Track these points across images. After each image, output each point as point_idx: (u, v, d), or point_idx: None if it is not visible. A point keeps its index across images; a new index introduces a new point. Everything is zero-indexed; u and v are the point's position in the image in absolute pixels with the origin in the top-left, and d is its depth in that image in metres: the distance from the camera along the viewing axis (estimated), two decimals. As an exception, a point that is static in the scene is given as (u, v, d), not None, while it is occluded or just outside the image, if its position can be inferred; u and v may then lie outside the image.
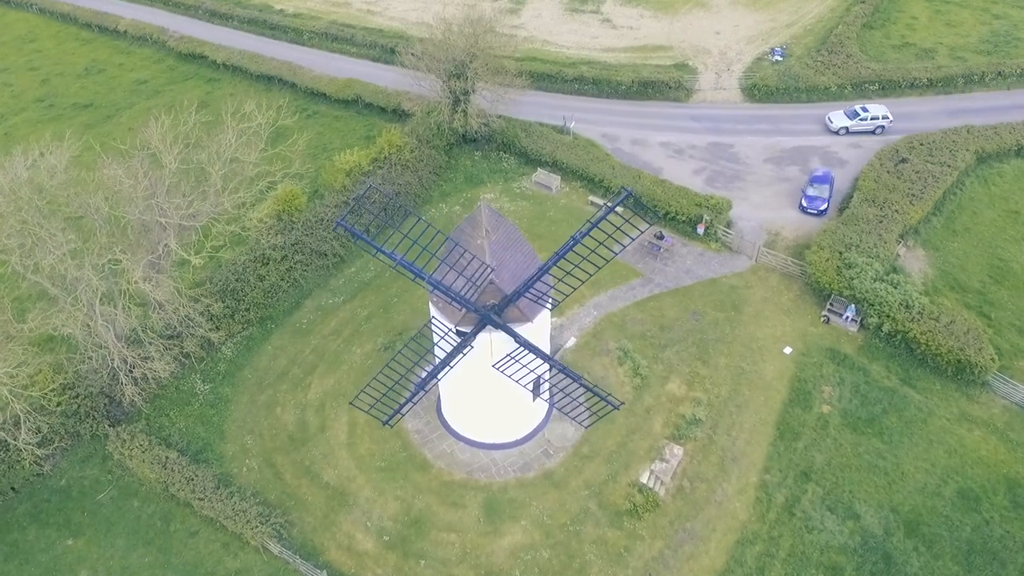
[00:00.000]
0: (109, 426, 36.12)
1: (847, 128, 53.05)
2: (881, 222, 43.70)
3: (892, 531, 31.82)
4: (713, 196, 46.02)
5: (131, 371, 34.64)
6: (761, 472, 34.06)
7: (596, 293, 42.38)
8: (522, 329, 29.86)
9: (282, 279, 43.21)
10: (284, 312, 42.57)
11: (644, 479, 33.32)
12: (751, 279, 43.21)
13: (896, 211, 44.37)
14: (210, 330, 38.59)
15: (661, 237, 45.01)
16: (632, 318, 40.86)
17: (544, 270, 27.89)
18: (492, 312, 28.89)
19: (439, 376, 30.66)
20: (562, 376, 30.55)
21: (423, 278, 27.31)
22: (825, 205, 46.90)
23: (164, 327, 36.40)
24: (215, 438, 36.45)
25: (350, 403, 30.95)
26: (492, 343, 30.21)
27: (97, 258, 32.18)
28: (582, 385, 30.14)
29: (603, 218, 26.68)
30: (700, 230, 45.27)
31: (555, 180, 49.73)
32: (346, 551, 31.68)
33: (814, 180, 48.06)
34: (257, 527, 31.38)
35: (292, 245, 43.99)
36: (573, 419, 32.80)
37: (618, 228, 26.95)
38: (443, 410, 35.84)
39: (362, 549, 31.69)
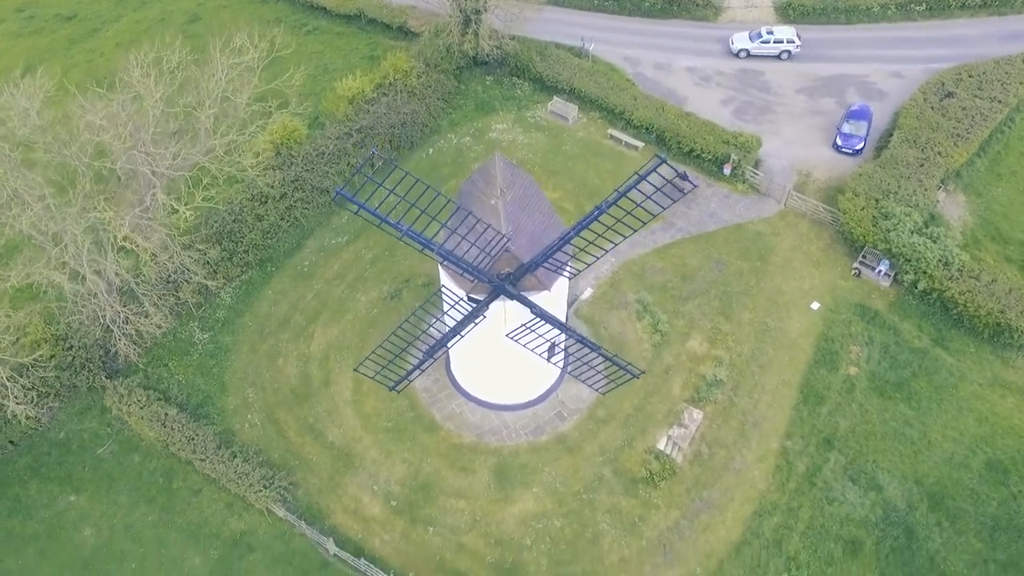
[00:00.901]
0: (106, 378, 34.80)
1: (747, 51, 49.23)
2: (922, 166, 40.68)
3: (915, 504, 30.78)
4: (742, 133, 42.83)
5: (125, 325, 32.91)
6: (783, 438, 32.78)
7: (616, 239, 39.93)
8: (538, 298, 27.83)
9: (282, 218, 40.87)
10: (284, 254, 40.48)
11: (661, 445, 32.10)
12: (779, 225, 40.70)
13: (939, 153, 41.25)
14: (207, 277, 36.65)
15: (685, 178, 42.02)
16: (652, 267, 38.70)
17: (565, 240, 25.57)
18: (507, 282, 26.78)
19: (449, 344, 28.86)
20: (579, 344, 28.76)
21: (432, 249, 25.05)
22: (861, 144, 43.72)
23: (157, 278, 34.40)
24: (216, 391, 35.17)
25: (355, 369, 29.36)
26: (506, 312, 28.28)
27: (79, 214, 29.82)
28: (601, 355, 28.36)
29: (632, 187, 24.08)
30: (727, 170, 42.38)
31: (572, 110, 46.40)
32: (352, 515, 30.89)
33: (851, 115, 44.63)
34: (261, 491, 30.48)
35: (292, 182, 41.39)
36: (589, 385, 31.19)
37: (648, 197, 24.35)
38: (452, 368, 34.31)
39: (369, 514, 30.87)
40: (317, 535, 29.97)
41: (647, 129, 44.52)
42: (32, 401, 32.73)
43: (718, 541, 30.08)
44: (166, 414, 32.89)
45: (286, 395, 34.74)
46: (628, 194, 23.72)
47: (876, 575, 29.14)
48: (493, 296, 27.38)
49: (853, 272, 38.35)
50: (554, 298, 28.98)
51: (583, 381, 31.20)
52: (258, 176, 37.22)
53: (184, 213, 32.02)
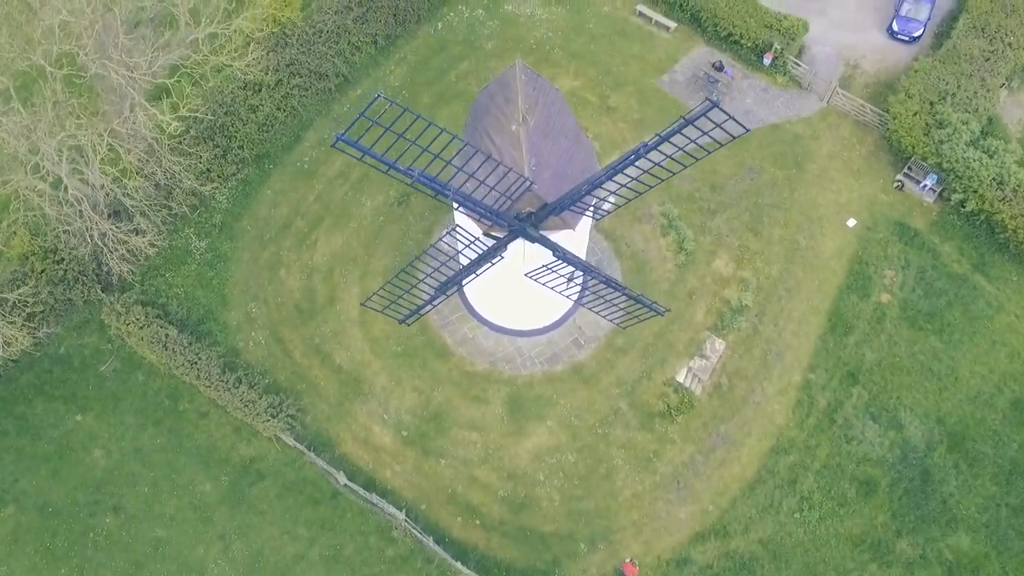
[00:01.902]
0: (102, 291, 33.16)
1: None
2: (988, 60, 36.46)
3: (934, 445, 30.26)
4: (787, 16, 38.09)
5: (116, 246, 30.78)
6: (806, 371, 31.72)
7: (639, 138, 36.74)
8: (561, 236, 25.54)
9: (278, 108, 37.31)
10: (282, 148, 37.41)
11: (681, 377, 31.10)
12: (819, 127, 37.25)
13: (1009, 44, 36.83)
14: (199, 181, 33.98)
15: (720, 68, 38.10)
16: (680, 174, 35.69)
17: (595, 184, 22.86)
18: (528, 224, 24.35)
19: (464, 283, 26.93)
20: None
21: (447, 194, 22.40)
22: (921, 30, 39.08)
23: (146, 187, 31.71)
24: (216, 305, 33.70)
25: (362, 304, 27.65)
26: (525, 251, 26.09)
27: (51, 127, 26.73)
28: (625, 294, 26.52)
29: (676, 131, 21.01)
30: (767, 60, 38.17)
31: (597, -20, 41.13)
32: (363, 444, 30.51)
33: (913, -7, 39.53)
34: (268, 420, 29.87)
35: (287, 66, 37.35)
36: (607, 319, 29.59)
37: (692, 141, 21.35)
38: (465, 290, 32.57)
39: (379, 443, 30.47)
40: (327, 466, 29.71)
41: (681, 7, 39.68)
42: (27, 322, 31.39)
43: (732, 478, 29.88)
44: (167, 335, 31.62)
45: (290, 311, 33.30)
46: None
47: (887, 516, 29.15)
48: (512, 237, 25.09)
49: (895, 185, 35.52)
50: (577, 236, 26.70)
51: (600, 315, 29.61)
52: (248, 67, 33.42)
53: (170, 123, 28.84)
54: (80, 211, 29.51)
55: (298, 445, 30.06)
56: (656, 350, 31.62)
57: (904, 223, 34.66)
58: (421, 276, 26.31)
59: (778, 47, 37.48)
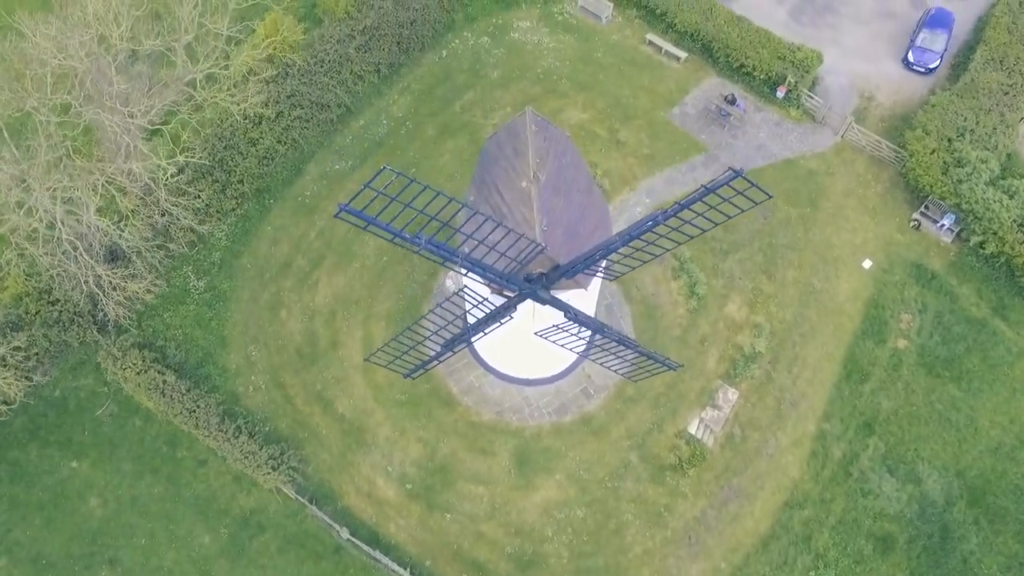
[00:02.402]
0: (98, 332, 32.26)
1: None
2: (1007, 94, 35.59)
3: (954, 500, 29.47)
4: (800, 47, 37.12)
5: (112, 292, 29.89)
6: (820, 420, 30.91)
7: (649, 174, 35.97)
8: (572, 295, 24.67)
9: (279, 141, 36.34)
10: (283, 182, 36.49)
11: (693, 429, 30.28)
12: (834, 162, 36.35)
13: (1028, 79, 35.96)
14: (198, 221, 33.10)
15: (733, 102, 37.16)
16: (691, 211, 34.77)
17: (611, 249, 21.93)
18: (539, 287, 23.46)
19: (472, 340, 26.05)
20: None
21: (456, 260, 21.49)
22: (937, 61, 38.13)
23: (143, 228, 30.73)
24: (216, 347, 32.83)
25: (365, 359, 26.77)
26: (535, 309, 25.21)
27: (42, 180, 25.82)
28: (638, 352, 25.66)
29: (697, 199, 20.14)
30: (780, 93, 37.23)
31: (606, 7, 40.17)
32: (366, 497, 29.70)
33: (929, 23, 38.56)
34: (269, 473, 29.03)
35: (288, 98, 36.38)
36: (615, 371, 28.71)
37: (712, 207, 20.49)
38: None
39: (383, 497, 29.66)
40: (329, 520, 28.90)
41: (692, 36, 38.71)
42: (21, 363, 30.57)
43: (745, 534, 29.09)
44: (164, 381, 30.75)
45: (291, 355, 32.44)
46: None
47: (905, 575, 28.36)
48: (522, 299, 24.22)
49: (912, 224, 34.65)
50: (589, 294, 25.84)
51: (609, 368, 28.72)
52: (249, 106, 32.46)
53: (167, 168, 27.92)
54: (75, 256, 28.58)
55: (299, 498, 29.25)
56: (667, 400, 30.78)
57: (921, 264, 33.80)
58: (427, 333, 25.40)
59: (792, 80, 36.55)
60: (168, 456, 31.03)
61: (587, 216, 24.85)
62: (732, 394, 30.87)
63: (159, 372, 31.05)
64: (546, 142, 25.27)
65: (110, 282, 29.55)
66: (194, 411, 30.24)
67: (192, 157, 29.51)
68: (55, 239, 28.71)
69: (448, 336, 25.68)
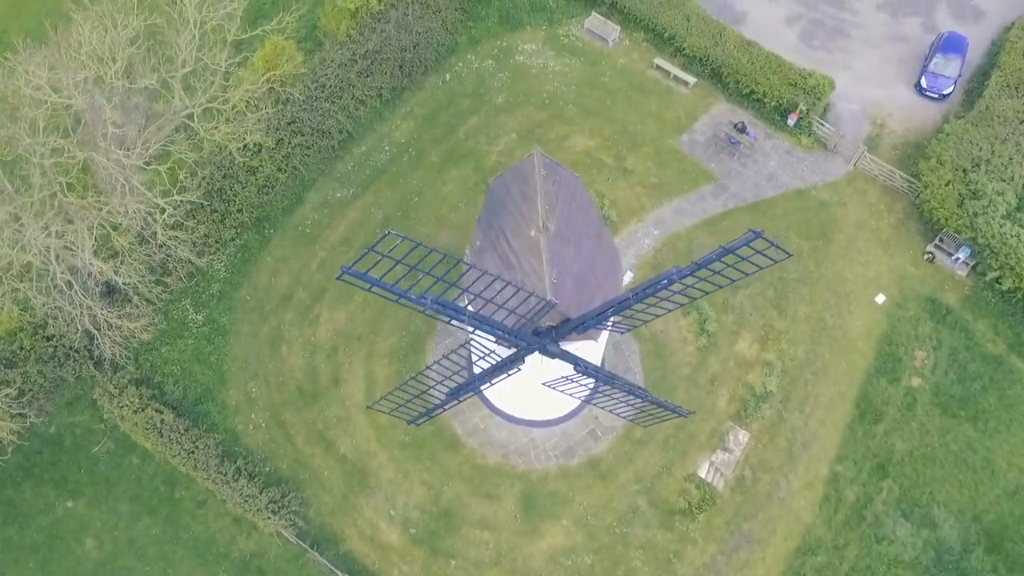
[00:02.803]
0: (94, 367, 31.54)
1: None
2: (1023, 122, 34.78)
3: (971, 546, 28.80)
4: (812, 74, 36.30)
5: (109, 331, 29.17)
6: (833, 462, 30.22)
7: (657, 204, 35.22)
8: (581, 345, 23.95)
9: (279, 170, 35.59)
10: (283, 211, 35.76)
11: (703, 472, 29.58)
12: (846, 192, 35.61)
13: (1045, 107, 35.17)
14: (197, 254, 32.38)
15: (743, 130, 36.40)
16: (700, 244, 34.17)
17: (624, 306, 21.14)
18: (548, 341, 22.73)
19: (480, 389, 25.34)
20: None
21: (463, 318, 20.76)
22: (951, 87, 37.34)
23: (138, 270, 29.98)
24: (215, 383, 32.13)
25: (368, 407, 26.08)
26: (543, 361, 24.47)
27: (36, 221, 25.10)
28: (649, 401, 24.95)
29: (715, 259, 19.40)
30: (791, 121, 36.46)
31: (613, 31, 39.38)
32: (368, 541, 29.01)
33: (943, 48, 37.74)
34: (269, 517, 28.33)
35: (288, 124, 35.59)
36: (623, 418, 28.00)
37: (730, 266, 19.75)
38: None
39: (386, 541, 28.97)
40: (331, 566, 28.22)
41: (700, 61, 37.91)
42: (15, 401, 29.88)
43: (757, 581, 28.42)
44: (162, 420, 30.05)
45: (292, 392, 31.73)
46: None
47: (921, 624, 27.75)
48: (530, 352, 23.49)
49: (926, 257, 33.92)
50: (599, 344, 25.13)
51: (615, 413, 27.99)
52: (247, 139, 31.66)
53: (164, 208, 27.18)
54: (70, 296, 27.85)
55: (301, 543, 28.58)
56: (677, 442, 30.09)
57: (935, 299, 33.08)
58: (432, 382, 24.68)
59: (803, 108, 35.78)
60: (166, 496, 30.36)
61: (597, 264, 24.13)
62: (743, 436, 30.17)
63: (156, 411, 30.35)
64: (555, 186, 24.56)
65: (106, 320, 28.80)
66: (192, 452, 29.56)
67: (190, 196, 28.67)
68: (49, 276, 27.99)
69: (454, 385, 24.99)
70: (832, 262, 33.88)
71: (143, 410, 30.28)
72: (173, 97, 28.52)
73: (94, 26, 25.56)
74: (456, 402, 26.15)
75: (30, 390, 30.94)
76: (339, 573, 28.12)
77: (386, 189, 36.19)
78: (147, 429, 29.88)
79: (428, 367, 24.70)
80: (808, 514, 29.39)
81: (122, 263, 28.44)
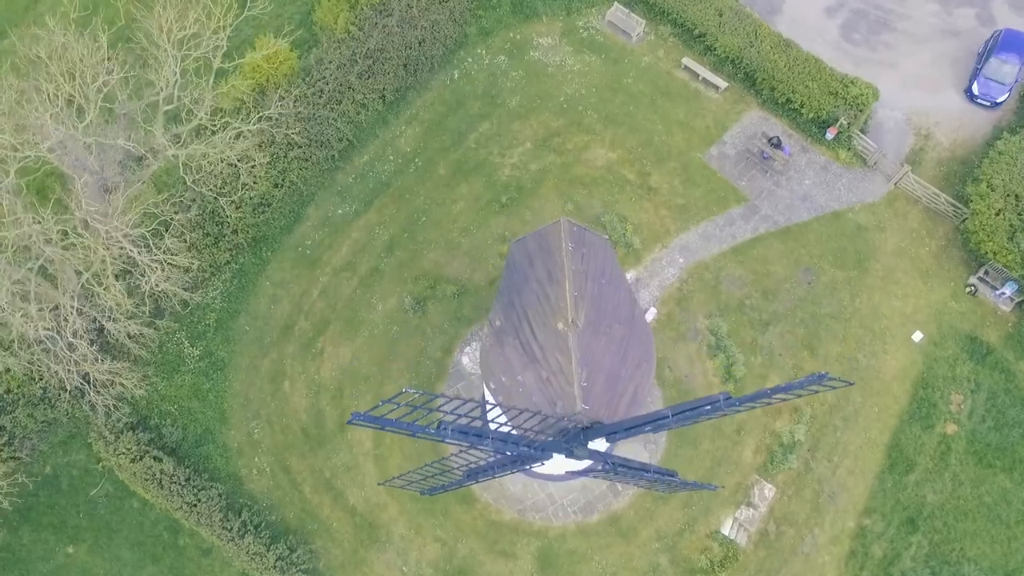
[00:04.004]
0: (88, 406, 29.90)
1: None
2: (1082, 140, 32.11)
3: (1001, 607, 28.05)
4: (855, 81, 33.26)
5: (101, 390, 27.41)
6: (860, 515, 29.13)
7: (683, 228, 32.94)
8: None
9: (275, 186, 33.01)
10: (281, 230, 33.42)
11: (726, 529, 28.50)
12: (885, 215, 33.24)
13: (1106, 125, 32.41)
14: (191, 287, 30.28)
15: (778, 145, 33.67)
16: (729, 275, 32.07)
17: (662, 426, 19.33)
18: (575, 445, 21.00)
19: (498, 476, 23.77)
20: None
21: (487, 441, 18.95)
22: (1006, 95, 34.39)
23: (127, 329, 27.87)
24: (215, 422, 30.64)
25: (379, 484, 24.65)
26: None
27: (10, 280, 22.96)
28: (679, 485, 23.48)
29: (768, 396, 17.60)
30: (830, 135, 33.69)
31: (637, 24, 35.96)
32: (380, 599, 28.19)
33: (1000, 49, 34.54)
34: (278, 577, 27.40)
35: (284, 136, 32.82)
36: (643, 487, 26.53)
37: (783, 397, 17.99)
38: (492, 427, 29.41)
39: (399, 600, 28.14)
40: (343, 625, 27.53)
41: (733, 62, 34.76)
42: (4, 453, 28.54)
43: (779, 642, 27.78)
44: (162, 471, 28.66)
45: (296, 435, 30.28)
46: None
47: None
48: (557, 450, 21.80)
49: (968, 290, 31.90)
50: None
51: (640, 487, 26.60)
52: (241, 158, 29.07)
53: (149, 280, 25.01)
54: (54, 352, 25.97)
55: (310, 601, 27.75)
56: (700, 498, 28.87)
57: (976, 337, 31.28)
58: (450, 465, 23.14)
59: (844, 123, 32.93)
60: (170, 544, 29.35)
61: (629, 353, 22.12)
62: (769, 491, 28.95)
63: (155, 459, 28.90)
64: (584, 262, 22.33)
65: (98, 379, 27.00)
66: (195, 505, 28.30)
67: (177, 244, 26.39)
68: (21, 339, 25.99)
69: (472, 467, 23.45)
70: (868, 295, 31.87)
71: (141, 459, 28.84)
72: (155, 131, 25.76)
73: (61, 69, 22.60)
74: (474, 482, 24.70)
75: (21, 434, 29.47)
76: (351, 634, 27.39)
77: (391, 205, 33.72)
78: (146, 480, 28.54)
79: (444, 457, 23.07)
80: (833, 571, 28.50)
81: (110, 319, 26.37)
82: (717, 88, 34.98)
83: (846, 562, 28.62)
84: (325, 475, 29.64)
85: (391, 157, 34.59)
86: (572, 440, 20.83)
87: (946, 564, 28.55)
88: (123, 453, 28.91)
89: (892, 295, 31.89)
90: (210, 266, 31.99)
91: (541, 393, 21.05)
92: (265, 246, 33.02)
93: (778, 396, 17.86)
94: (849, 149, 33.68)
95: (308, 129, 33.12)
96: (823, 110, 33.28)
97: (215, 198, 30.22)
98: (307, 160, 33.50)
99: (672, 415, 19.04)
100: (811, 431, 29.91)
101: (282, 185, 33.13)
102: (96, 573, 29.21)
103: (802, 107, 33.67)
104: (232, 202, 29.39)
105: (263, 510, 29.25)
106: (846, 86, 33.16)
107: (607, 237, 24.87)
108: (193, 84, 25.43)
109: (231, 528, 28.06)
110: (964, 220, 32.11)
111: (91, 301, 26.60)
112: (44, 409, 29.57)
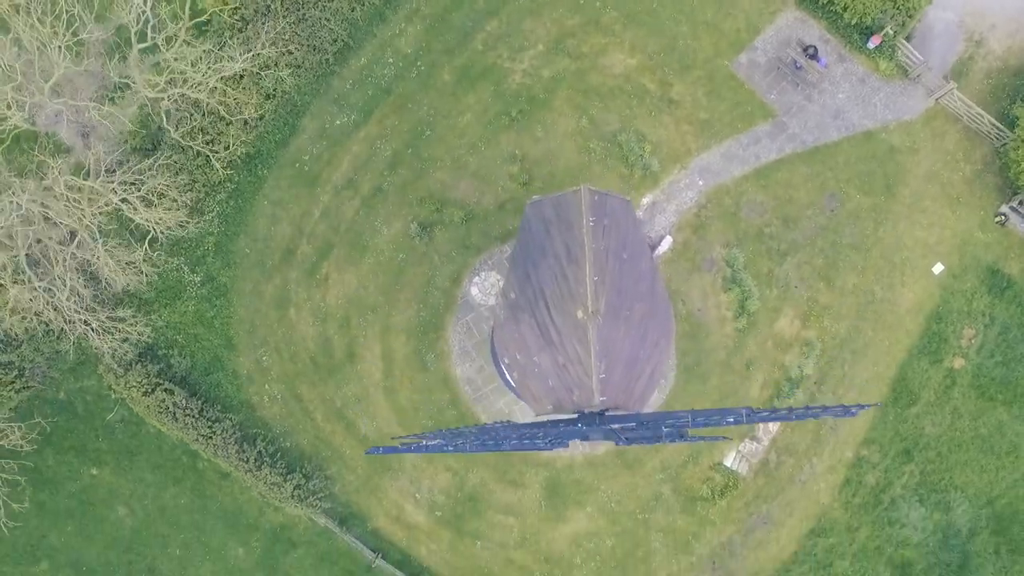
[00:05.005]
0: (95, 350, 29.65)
1: None
2: None
3: (978, 530, 29.76)
4: (910, -22, 29.76)
5: (102, 336, 26.92)
6: (859, 446, 30.08)
7: (705, 147, 31.03)
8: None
9: (266, 97, 30.54)
10: (276, 144, 31.34)
11: (729, 461, 29.51)
12: (921, 135, 31.18)
13: None
14: (186, 217, 28.95)
15: (814, 56, 30.78)
16: (749, 200, 30.67)
17: (679, 425, 19.24)
18: (596, 425, 20.96)
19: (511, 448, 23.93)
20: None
21: (508, 445, 18.88)
22: (1072, -4, 30.94)
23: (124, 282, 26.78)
24: (223, 349, 30.61)
25: (392, 439, 25.00)
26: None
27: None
28: (699, 439, 23.87)
29: (792, 418, 17.38)
30: (873, 44, 30.68)
31: (668, -99, 31.43)
32: (395, 521, 29.70)
33: (1073, -61, 30.63)
34: (296, 504, 28.63)
35: (272, 45, 29.87)
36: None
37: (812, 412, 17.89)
38: (502, 363, 29.37)
39: (412, 522, 29.64)
40: (358, 543, 29.18)
41: (773, -48, 30.88)
42: (17, 385, 28.80)
43: (768, 559, 29.74)
44: (175, 403, 29.02)
45: (305, 364, 30.36)
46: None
47: (918, 602, 29.60)
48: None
49: (997, 219, 30.68)
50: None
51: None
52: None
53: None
54: (52, 304, 25.31)
55: (329, 525, 29.25)
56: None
57: (998, 269, 30.55)
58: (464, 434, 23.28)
59: (890, 32, 29.89)
60: (189, 466, 30.42)
61: (648, 332, 21.51)
62: (773, 425, 29.60)
63: (167, 391, 29.19)
64: (604, 237, 21.07)
65: (100, 327, 26.48)
66: (210, 437, 28.97)
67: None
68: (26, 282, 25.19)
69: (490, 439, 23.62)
70: (892, 224, 30.67)
71: (152, 392, 29.11)
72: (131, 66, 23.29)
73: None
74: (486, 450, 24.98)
75: (30, 366, 29.48)
76: (368, 550, 29.12)
77: (392, 116, 31.38)
78: (160, 413, 28.99)
79: (460, 436, 23.11)
80: (827, 496, 29.89)
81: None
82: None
83: (840, 489, 29.92)
84: (336, 404, 30.07)
85: (391, 60, 31.64)
86: (590, 422, 20.79)
87: (933, 491, 29.90)
88: (134, 386, 29.07)
89: (917, 224, 30.68)
90: (203, 186, 30.32)
91: (558, 378, 20.75)
92: (260, 163, 31.10)
93: (798, 416, 17.64)
94: (891, 59, 30.80)
95: (299, 33, 30.05)
96: (868, 14, 30.02)
97: (203, 146, 28.00)
98: (299, 66, 30.72)
99: (692, 420, 18.91)
100: (819, 365, 30.06)
101: (274, 96, 30.59)
102: (122, 492, 30.47)
103: (845, 10, 30.34)
104: (220, 157, 27.18)
105: (276, 437, 29.98)
106: (898, -14, 29.65)
107: (629, 199, 23.23)
108: None
109: (247, 459, 28.90)
110: (1005, 144, 30.13)
111: (81, 248, 25.41)
112: (49, 343, 29.31)
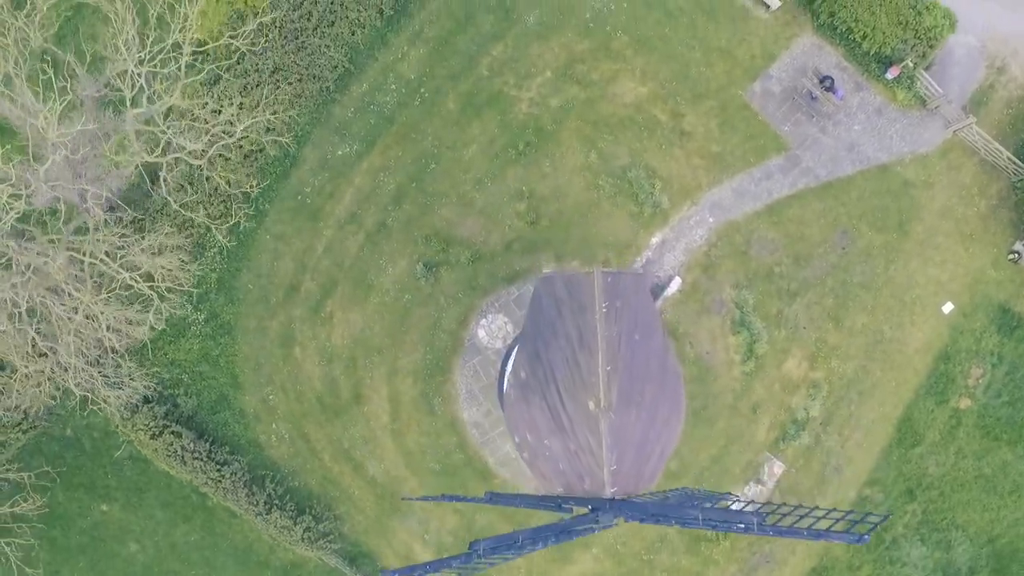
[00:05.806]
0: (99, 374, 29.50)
1: None
2: None
3: (978, 568, 30.24)
4: (932, 7, 28.68)
5: (108, 396, 26.70)
6: (862, 487, 30.31)
7: (716, 182, 30.40)
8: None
9: (266, 129, 29.60)
10: (277, 176, 30.63)
11: (733, 506, 29.63)
12: (936, 169, 30.49)
13: None
14: (183, 267, 28.42)
15: (830, 88, 29.81)
16: (760, 237, 30.16)
17: (687, 518, 19.23)
18: (603, 513, 20.97)
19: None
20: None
21: (521, 549, 18.86)
22: (1100, 25, 29.84)
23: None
24: (228, 387, 30.46)
25: (402, 498, 25.11)
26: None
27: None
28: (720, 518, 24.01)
29: (794, 535, 17.41)
30: (891, 75, 29.71)
31: (682, -80, 29.98)
32: (404, 561, 30.02)
33: (1105, -35, 29.37)
34: (307, 548, 28.94)
35: (271, 75, 28.92)
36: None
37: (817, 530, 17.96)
38: (507, 406, 29.28)
39: (421, 561, 29.95)
40: (371, 583, 29.70)
41: (791, -23, 29.65)
42: (24, 425, 28.80)
43: (771, 596, 30.27)
44: (183, 446, 29.01)
45: (312, 404, 30.27)
46: None
47: (916, 636, 30.28)
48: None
49: (1010, 257, 30.26)
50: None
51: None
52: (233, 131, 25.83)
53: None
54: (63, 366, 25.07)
55: (339, 564, 29.62)
56: (711, 475, 29.68)
57: (1008, 308, 30.29)
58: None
59: (910, 64, 28.89)
60: (199, 504, 30.60)
61: (659, 412, 21.27)
62: (778, 468, 29.75)
63: (175, 434, 29.13)
64: (617, 322, 20.66)
65: (105, 382, 26.26)
66: (219, 481, 29.03)
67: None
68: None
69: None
70: (904, 262, 30.25)
71: (160, 435, 29.04)
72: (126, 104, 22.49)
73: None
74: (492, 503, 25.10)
75: (33, 407, 29.34)
76: (378, 591, 29.62)
77: (396, 146, 30.57)
78: (168, 456, 28.99)
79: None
80: (830, 535, 30.18)
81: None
82: (768, 6, 30.12)
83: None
84: (344, 445, 30.09)
85: (393, 86, 30.64)
86: (600, 509, 20.78)
87: (935, 530, 30.25)
88: (141, 428, 29.00)
89: (929, 261, 30.26)
90: (207, 217, 29.64)
91: (568, 463, 20.65)
92: (261, 196, 30.39)
93: (810, 536, 17.65)
94: (910, 90, 29.85)
95: (297, 61, 29.01)
96: (887, 44, 29.02)
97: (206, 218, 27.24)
98: (299, 95, 29.77)
99: (702, 517, 18.91)
100: (826, 406, 30.03)
101: (272, 127, 29.65)
102: (132, 529, 30.72)
103: (864, 39, 29.28)
104: (222, 229, 26.57)
105: (285, 477, 30.09)
106: (919, 14, 28.57)
107: (641, 271, 22.76)
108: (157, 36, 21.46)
109: (257, 503, 29.04)
110: (1021, 179, 29.50)
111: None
112: (51, 387, 29.09)
